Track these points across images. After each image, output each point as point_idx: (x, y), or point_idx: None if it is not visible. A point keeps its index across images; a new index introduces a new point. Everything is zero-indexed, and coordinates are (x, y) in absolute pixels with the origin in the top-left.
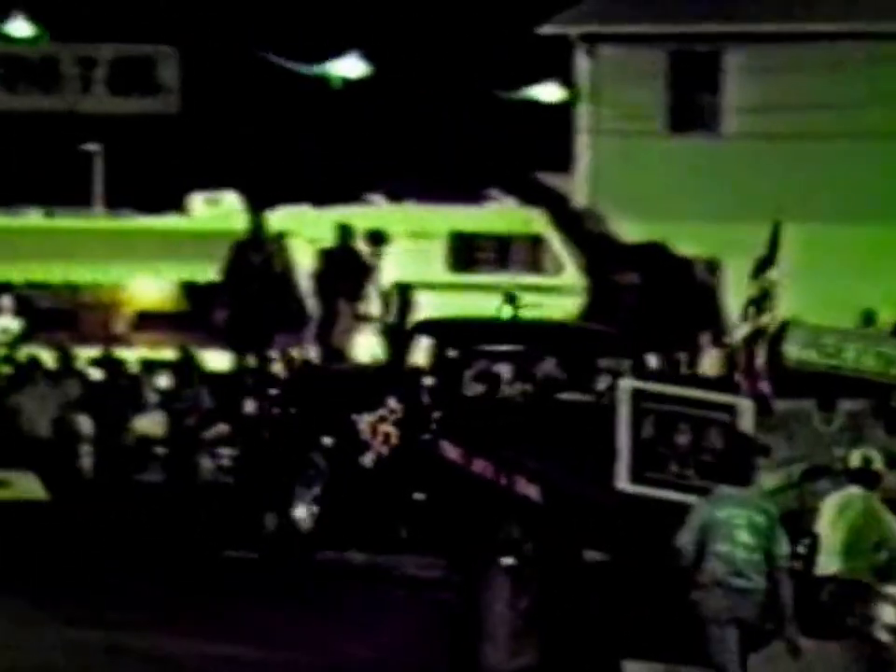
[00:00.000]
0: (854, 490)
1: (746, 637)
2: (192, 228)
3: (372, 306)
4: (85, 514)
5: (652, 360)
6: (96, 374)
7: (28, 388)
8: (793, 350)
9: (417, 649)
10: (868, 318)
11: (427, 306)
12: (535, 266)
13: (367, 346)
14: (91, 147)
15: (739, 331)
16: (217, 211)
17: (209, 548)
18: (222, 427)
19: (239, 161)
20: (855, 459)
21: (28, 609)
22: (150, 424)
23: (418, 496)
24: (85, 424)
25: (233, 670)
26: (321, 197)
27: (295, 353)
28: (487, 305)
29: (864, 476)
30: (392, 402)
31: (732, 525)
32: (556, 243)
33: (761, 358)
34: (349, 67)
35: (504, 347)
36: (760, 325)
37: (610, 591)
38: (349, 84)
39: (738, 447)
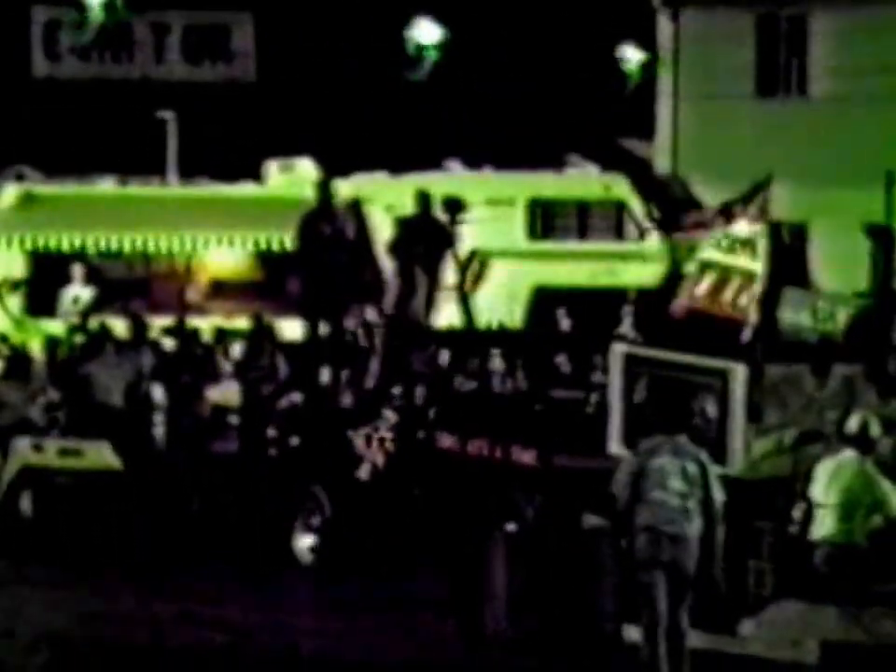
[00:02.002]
0: (848, 454)
1: (677, 582)
2: (267, 195)
3: (450, 274)
4: (158, 484)
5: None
6: (168, 343)
7: (100, 357)
8: (788, 314)
9: None
10: None
11: (506, 273)
12: (616, 233)
13: (445, 315)
14: (165, 114)
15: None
16: (292, 178)
17: (283, 519)
18: (296, 397)
19: (315, 128)
20: (853, 424)
21: (104, 579)
22: (224, 393)
23: (417, 491)
24: (158, 393)
25: (306, 640)
26: (398, 164)
27: (374, 321)
28: (566, 272)
29: (860, 441)
30: (387, 413)
31: (665, 472)
32: (638, 209)
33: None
34: (425, 32)
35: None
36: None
37: (606, 555)
38: (425, 49)
39: (669, 396)
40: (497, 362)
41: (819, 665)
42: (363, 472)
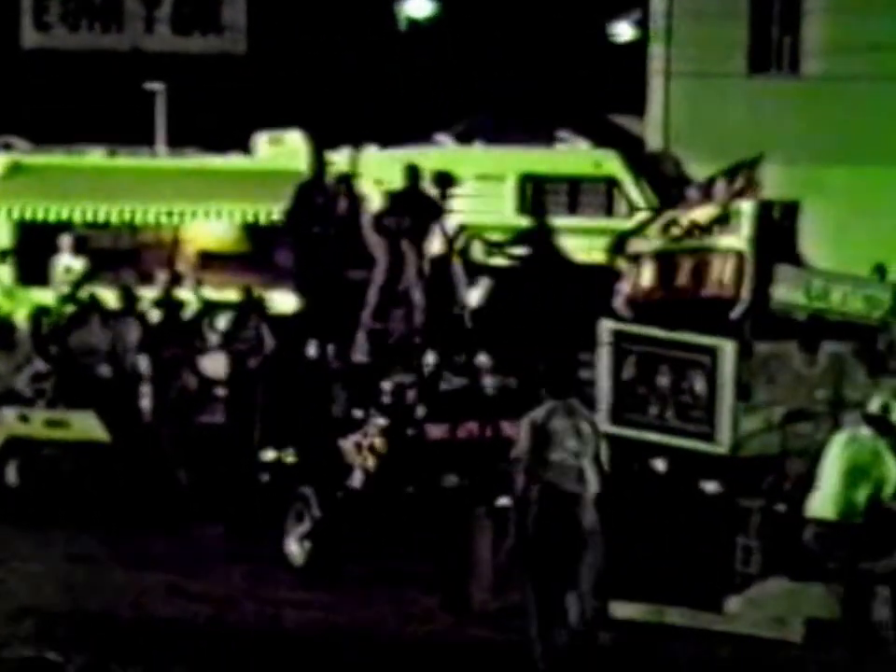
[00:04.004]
0: (864, 430)
1: (574, 540)
2: (256, 167)
3: (438, 249)
4: (145, 455)
5: None
6: (155, 315)
7: (86, 328)
8: (781, 291)
9: None
10: (881, 271)
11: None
12: (607, 209)
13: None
14: (154, 85)
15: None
16: (281, 150)
17: (272, 488)
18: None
19: (304, 101)
20: (874, 405)
21: (90, 550)
22: (211, 365)
23: (409, 489)
24: (144, 364)
25: (292, 612)
26: (388, 137)
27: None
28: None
29: (879, 422)
30: (377, 419)
31: (561, 433)
32: (630, 185)
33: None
34: (417, 7)
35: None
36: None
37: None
38: (416, 23)
39: (558, 361)
40: (483, 358)
41: (805, 643)
42: (355, 481)
